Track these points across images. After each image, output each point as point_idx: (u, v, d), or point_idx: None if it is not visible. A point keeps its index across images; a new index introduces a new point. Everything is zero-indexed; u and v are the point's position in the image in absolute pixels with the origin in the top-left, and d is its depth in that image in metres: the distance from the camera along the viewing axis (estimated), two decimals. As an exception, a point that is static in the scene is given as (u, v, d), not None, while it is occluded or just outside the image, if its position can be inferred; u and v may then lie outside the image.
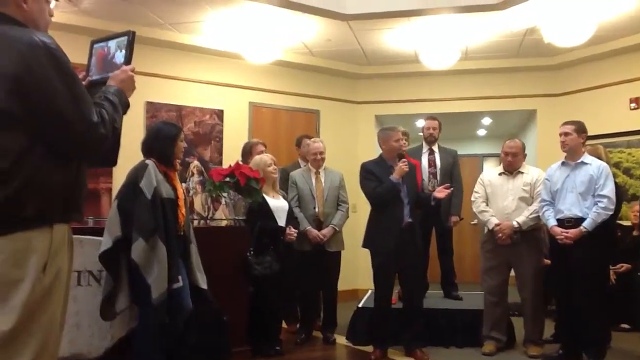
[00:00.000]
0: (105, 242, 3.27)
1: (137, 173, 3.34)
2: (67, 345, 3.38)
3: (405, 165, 4.40)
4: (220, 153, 6.69)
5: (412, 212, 4.49)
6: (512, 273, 4.69)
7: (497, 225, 4.54)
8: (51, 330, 1.76)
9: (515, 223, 4.49)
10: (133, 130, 5.08)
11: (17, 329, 1.64)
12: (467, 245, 8.62)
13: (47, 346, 1.74)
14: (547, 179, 4.42)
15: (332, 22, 5.86)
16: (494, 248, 4.62)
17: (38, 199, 1.71)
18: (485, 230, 4.71)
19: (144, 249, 3.17)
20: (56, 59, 1.72)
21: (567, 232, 4.13)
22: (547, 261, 4.65)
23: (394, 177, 4.41)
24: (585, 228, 4.07)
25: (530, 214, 4.50)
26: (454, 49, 6.43)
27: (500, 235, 4.52)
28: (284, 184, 5.13)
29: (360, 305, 5.13)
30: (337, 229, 5.04)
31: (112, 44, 2.10)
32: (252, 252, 4.18)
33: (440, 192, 4.46)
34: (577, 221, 4.13)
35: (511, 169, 4.68)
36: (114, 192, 5.50)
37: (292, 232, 4.48)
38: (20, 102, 1.66)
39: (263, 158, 4.61)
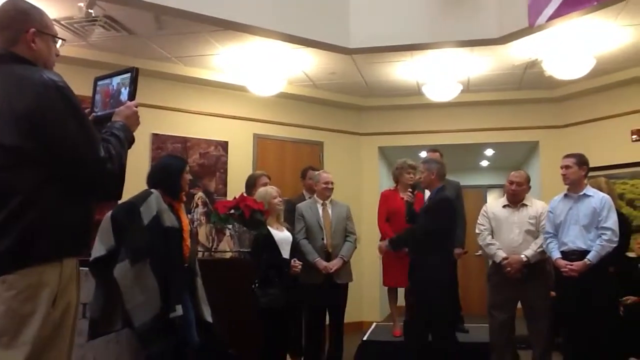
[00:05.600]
0: (98, 249, 3.06)
1: (139, 197, 3.28)
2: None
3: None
4: (225, 184, 6.72)
5: (417, 246, 4.54)
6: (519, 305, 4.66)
7: (504, 259, 4.51)
8: (60, 364, 1.77)
9: (524, 257, 4.46)
10: (139, 162, 5.10)
11: (28, 364, 1.65)
12: (473, 277, 8.56)
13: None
14: (550, 211, 4.42)
15: (336, 56, 5.94)
16: (501, 282, 4.57)
17: (50, 236, 1.73)
18: (491, 263, 4.69)
19: (128, 271, 3.01)
20: (66, 97, 1.77)
21: (571, 265, 4.13)
22: (552, 293, 4.63)
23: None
24: (589, 261, 4.07)
25: (538, 247, 4.47)
26: (455, 81, 6.51)
27: (509, 269, 4.49)
28: (289, 216, 5.11)
29: (365, 338, 5.09)
30: (346, 259, 5.00)
31: (116, 80, 2.13)
32: (257, 284, 4.18)
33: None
34: (582, 254, 4.13)
35: (515, 199, 4.66)
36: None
37: (296, 264, 4.48)
38: (32, 140, 1.70)
39: (268, 190, 4.62)
